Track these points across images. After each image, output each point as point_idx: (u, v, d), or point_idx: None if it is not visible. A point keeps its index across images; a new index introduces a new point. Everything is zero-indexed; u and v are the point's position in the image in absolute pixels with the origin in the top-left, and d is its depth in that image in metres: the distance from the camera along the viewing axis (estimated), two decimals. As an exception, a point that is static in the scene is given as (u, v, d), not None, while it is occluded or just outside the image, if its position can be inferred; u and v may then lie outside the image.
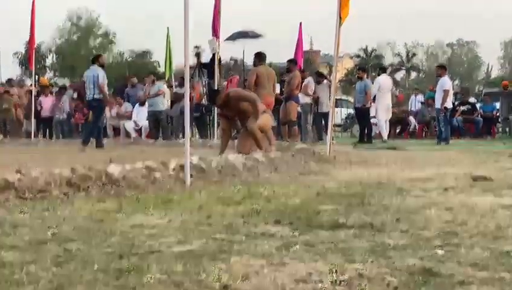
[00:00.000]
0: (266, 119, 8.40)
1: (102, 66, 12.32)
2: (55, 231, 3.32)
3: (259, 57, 11.16)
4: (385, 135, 15.30)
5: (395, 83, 52.05)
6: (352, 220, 3.55)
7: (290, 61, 14.19)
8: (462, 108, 18.44)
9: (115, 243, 3.04)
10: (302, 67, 17.22)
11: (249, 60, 29.10)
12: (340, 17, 8.50)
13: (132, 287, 2.31)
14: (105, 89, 12.04)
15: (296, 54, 17.18)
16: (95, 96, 12.03)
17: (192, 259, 2.69)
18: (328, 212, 3.85)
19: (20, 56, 45.76)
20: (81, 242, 3.04)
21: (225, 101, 8.32)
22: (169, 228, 3.43)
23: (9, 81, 21.41)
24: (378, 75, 16.13)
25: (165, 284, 2.34)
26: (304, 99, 14.66)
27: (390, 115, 15.92)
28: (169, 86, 17.30)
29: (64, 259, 2.73)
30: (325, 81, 15.62)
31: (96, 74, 12.01)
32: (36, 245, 2.99)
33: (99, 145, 12.01)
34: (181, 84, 15.76)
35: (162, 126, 15.67)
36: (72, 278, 2.41)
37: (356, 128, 17.62)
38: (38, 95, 17.52)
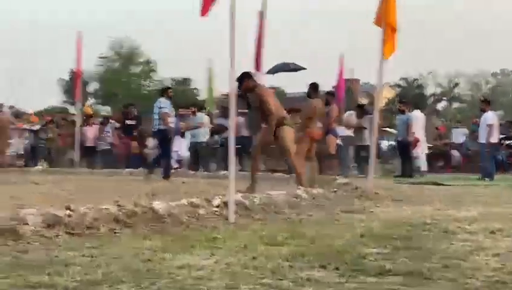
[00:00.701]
0: (290, 134, 8.77)
1: (170, 98, 12.59)
2: (105, 270, 3.39)
3: (315, 89, 10.32)
4: (425, 167, 15.15)
5: (437, 113, 51.57)
6: (398, 266, 3.53)
7: (328, 93, 14.16)
8: (507, 142, 18.13)
9: (164, 286, 3.08)
10: (342, 100, 17.22)
11: (289, 89, 29.13)
12: (383, 53, 8.40)
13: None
14: (168, 119, 12.25)
15: (337, 86, 17.21)
16: (160, 127, 12.29)
17: (242, 306, 2.72)
18: (374, 257, 3.84)
19: (64, 83, 46.78)
20: (131, 284, 3.08)
21: (251, 88, 8.78)
22: (216, 270, 3.46)
23: None
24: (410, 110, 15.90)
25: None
26: (345, 132, 14.59)
27: (426, 148, 15.81)
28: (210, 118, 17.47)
29: (118, 303, 2.79)
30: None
31: (160, 105, 12.31)
32: (89, 286, 3.05)
33: (166, 175, 12.24)
34: (223, 114, 15.86)
35: (202, 158, 15.77)
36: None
37: (397, 161, 17.44)
38: (82, 124, 17.90)
